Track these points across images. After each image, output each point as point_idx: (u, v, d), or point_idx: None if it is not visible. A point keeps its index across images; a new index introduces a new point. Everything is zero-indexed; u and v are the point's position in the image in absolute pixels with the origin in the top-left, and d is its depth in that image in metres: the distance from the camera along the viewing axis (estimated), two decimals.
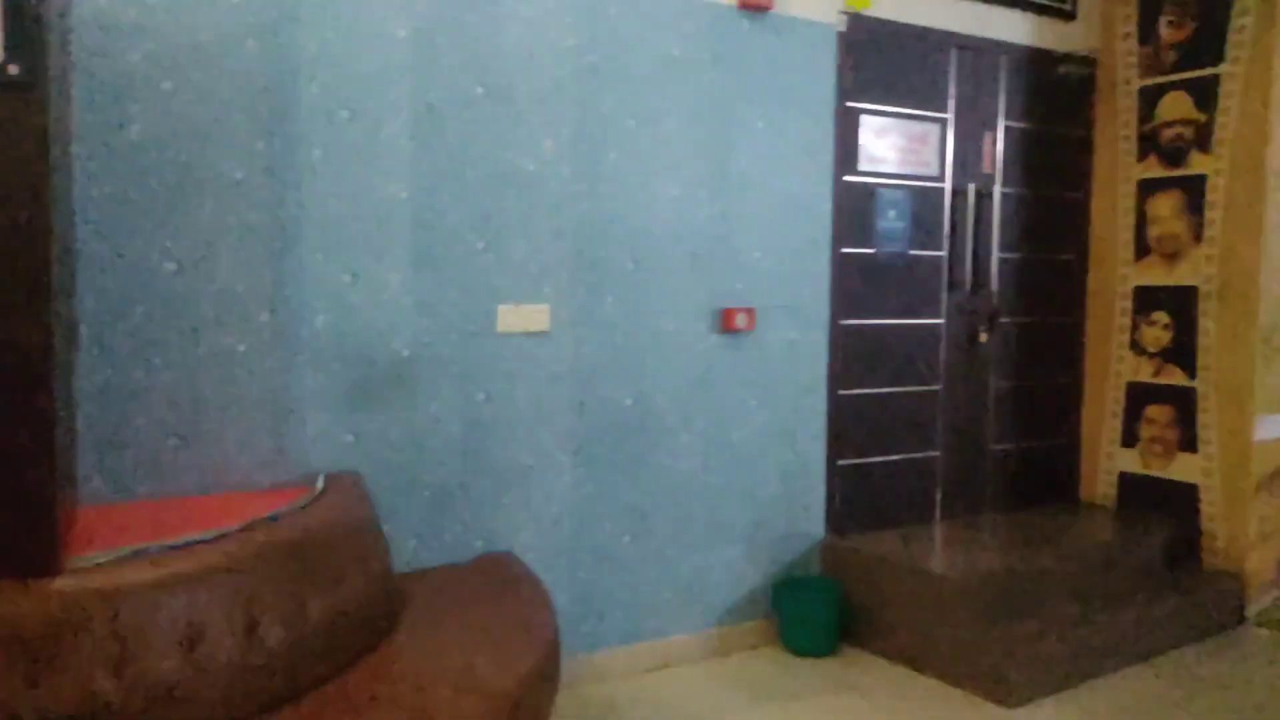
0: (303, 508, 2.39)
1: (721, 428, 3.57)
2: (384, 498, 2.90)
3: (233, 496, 2.60)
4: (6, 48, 1.85)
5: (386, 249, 2.88)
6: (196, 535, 2.11)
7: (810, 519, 3.81)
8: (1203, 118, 4.10)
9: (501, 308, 3.08)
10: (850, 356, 3.87)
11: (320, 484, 2.60)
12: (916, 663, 3.47)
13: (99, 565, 1.91)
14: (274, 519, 2.27)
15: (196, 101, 2.58)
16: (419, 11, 2.89)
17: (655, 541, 3.45)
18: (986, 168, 4.17)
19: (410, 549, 2.96)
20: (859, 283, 3.87)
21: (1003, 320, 4.28)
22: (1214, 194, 4.07)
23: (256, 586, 2.07)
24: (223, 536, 2.13)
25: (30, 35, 1.85)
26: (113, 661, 1.82)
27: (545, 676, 2.36)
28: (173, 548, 2.04)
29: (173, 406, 2.58)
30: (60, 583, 1.83)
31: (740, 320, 3.55)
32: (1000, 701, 3.18)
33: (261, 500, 2.47)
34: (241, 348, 2.66)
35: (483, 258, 3.05)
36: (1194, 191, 4.13)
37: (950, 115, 4.05)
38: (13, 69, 1.85)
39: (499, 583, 2.79)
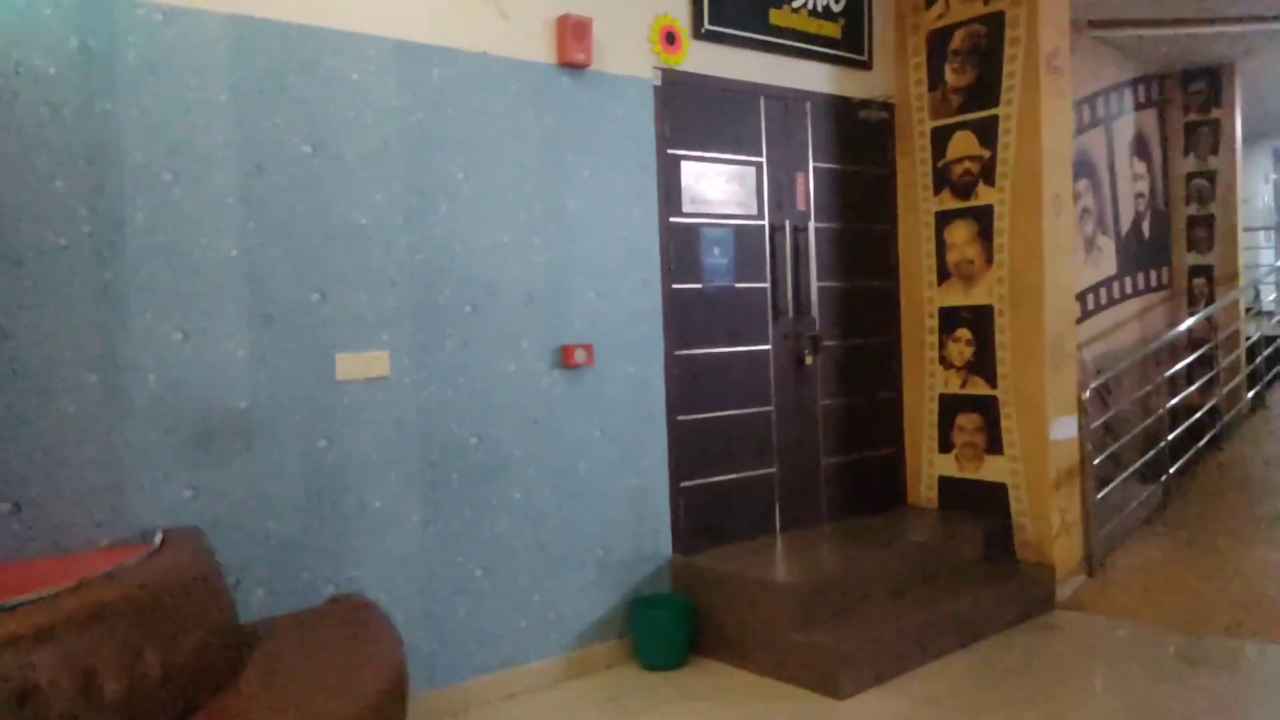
0: (139, 564, 2.44)
1: (567, 459, 3.76)
2: (228, 549, 2.95)
3: (69, 558, 2.61)
4: None
5: (218, 306, 2.96)
6: (28, 596, 2.14)
7: (658, 540, 4.04)
8: (986, 154, 4.59)
9: (340, 356, 3.20)
10: (687, 385, 4.13)
11: (158, 540, 2.65)
12: (758, 667, 3.72)
13: None
14: (109, 576, 2.31)
15: (15, 172, 2.63)
16: (240, 75, 3.01)
17: (508, 573, 3.60)
18: (800, 205, 4.55)
19: (259, 598, 3.02)
20: (691, 316, 4.15)
21: (826, 344, 4.65)
22: (1000, 221, 4.55)
23: (92, 643, 2.12)
24: (55, 596, 2.17)
25: None
26: None
27: (388, 709, 2.47)
28: (3, 610, 2.07)
29: (3, 472, 2.59)
30: None
31: (579, 356, 3.76)
32: (830, 694, 3.46)
33: (98, 559, 2.51)
34: (72, 410, 2.70)
35: (319, 309, 3.16)
36: (984, 220, 4.61)
37: (764, 159, 4.40)
38: None
39: (347, 624, 2.88)
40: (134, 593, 2.27)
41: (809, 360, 4.56)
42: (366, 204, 3.26)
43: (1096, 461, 4.71)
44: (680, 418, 4.11)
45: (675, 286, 4.09)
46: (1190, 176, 7.38)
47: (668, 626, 3.81)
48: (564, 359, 3.74)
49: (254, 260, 3.04)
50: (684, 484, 4.12)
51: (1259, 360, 7.52)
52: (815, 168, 4.61)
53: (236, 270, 3.00)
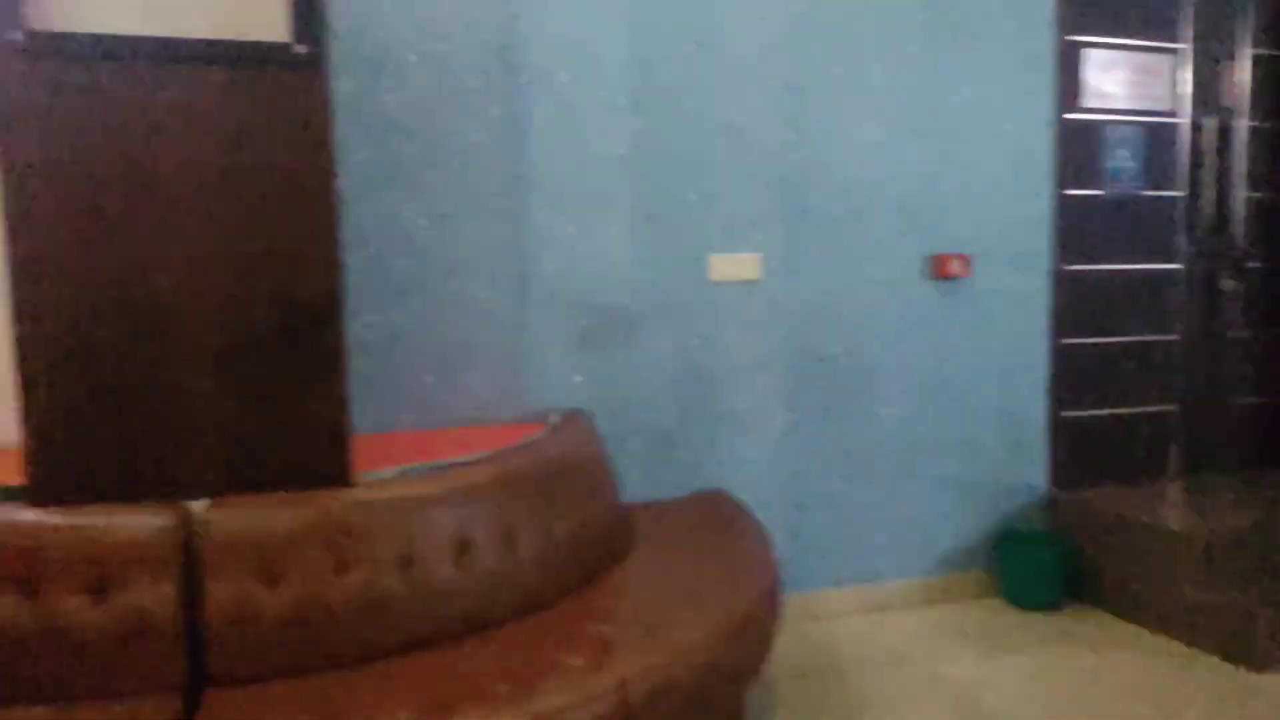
0: (545, 439, 2.61)
1: (936, 377, 3.54)
2: (608, 434, 3.10)
3: (480, 428, 2.86)
4: (295, 30, 2.13)
5: (606, 203, 3.05)
6: (459, 458, 2.36)
7: (1032, 472, 3.70)
8: None
9: (714, 257, 3.20)
10: (1075, 304, 3.70)
11: (555, 419, 2.82)
12: (1149, 621, 3.31)
13: (382, 480, 2.19)
14: (521, 448, 2.49)
15: (438, 72, 2.85)
16: None
17: (869, 487, 3.47)
18: (1228, 99, 3.85)
19: (634, 482, 3.15)
20: (1085, 226, 3.69)
21: (1250, 265, 3.95)
22: None
23: (511, 505, 2.29)
24: (480, 461, 2.37)
25: (313, 18, 2.12)
26: (398, 562, 2.09)
27: (770, 604, 2.46)
28: (438, 468, 2.29)
29: (428, 348, 2.88)
30: (355, 493, 2.11)
31: (954, 267, 3.49)
32: (1245, 664, 2.99)
33: (506, 432, 2.72)
34: (484, 294, 2.92)
35: (695, 209, 3.17)
36: None
37: (1185, 44, 3.76)
38: (300, 49, 2.14)
39: (717, 518, 2.92)
40: (542, 465, 2.43)
41: (1227, 284, 3.90)
42: (745, 102, 3.20)
43: None
44: (1065, 340, 3.70)
45: (1068, 193, 3.65)
46: None
47: (1042, 564, 3.50)
48: (937, 269, 3.49)
49: (638, 159, 3.09)
50: (1065, 414, 3.73)
51: None
52: (1251, 54, 3.87)
53: (623, 169, 3.07)
